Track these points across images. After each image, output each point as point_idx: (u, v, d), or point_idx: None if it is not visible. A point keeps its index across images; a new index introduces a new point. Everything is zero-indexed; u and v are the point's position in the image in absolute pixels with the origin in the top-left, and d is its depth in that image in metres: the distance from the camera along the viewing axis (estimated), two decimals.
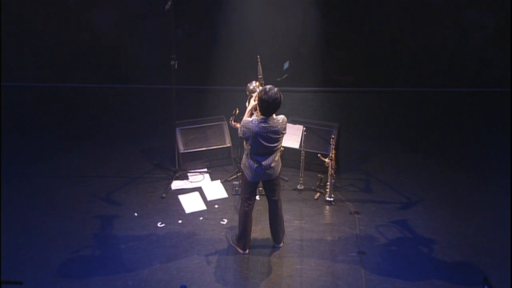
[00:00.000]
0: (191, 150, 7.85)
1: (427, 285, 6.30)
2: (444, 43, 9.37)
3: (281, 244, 6.75)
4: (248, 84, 6.67)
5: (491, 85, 9.44)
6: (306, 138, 7.59)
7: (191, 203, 7.38)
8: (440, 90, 9.47)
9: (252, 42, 8.92)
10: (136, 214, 7.18)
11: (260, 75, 6.79)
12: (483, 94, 9.43)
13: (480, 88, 9.46)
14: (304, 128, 7.62)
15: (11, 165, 7.88)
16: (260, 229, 6.92)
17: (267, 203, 6.63)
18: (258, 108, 6.09)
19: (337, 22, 9.36)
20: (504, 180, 7.69)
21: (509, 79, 9.21)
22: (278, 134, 6.12)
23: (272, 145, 6.13)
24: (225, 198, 7.47)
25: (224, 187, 7.61)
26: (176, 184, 7.64)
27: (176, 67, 7.28)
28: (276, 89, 6.02)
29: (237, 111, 6.79)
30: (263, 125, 6.05)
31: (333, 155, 7.33)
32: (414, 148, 8.37)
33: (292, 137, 7.66)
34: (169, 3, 7.05)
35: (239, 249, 6.66)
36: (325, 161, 7.35)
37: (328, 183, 7.37)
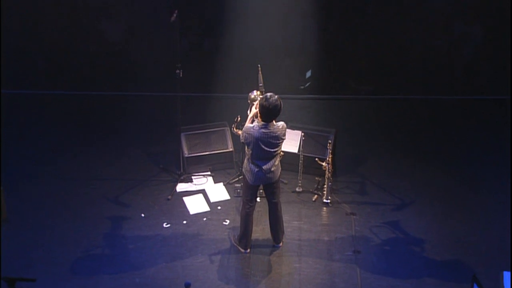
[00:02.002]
0: (195, 154, 7.87)
1: (419, 282, 6.31)
2: (435, 52, 9.38)
3: (281, 244, 6.76)
4: (250, 93, 6.70)
5: (478, 92, 9.46)
6: (304, 143, 7.61)
7: (195, 205, 7.39)
8: (430, 97, 9.48)
9: (253, 52, 8.93)
10: (143, 215, 7.20)
11: (260, 83, 6.81)
12: (471, 101, 9.44)
13: (468, 95, 9.47)
14: (303, 134, 7.64)
15: (26, 167, 7.90)
16: (261, 230, 6.94)
17: (267, 205, 6.65)
18: (259, 114, 6.12)
19: (334, 32, 9.38)
20: (492, 182, 7.71)
21: (495, 87, 9.24)
22: (278, 139, 6.14)
23: (272, 150, 6.16)
24: (228, 200, 7.48)
25: (227, 190, 7.62)
26: (181, 187, 7.65)
27: (181, 75, 7.30)
28: (276, 96, 6.05)
29: (239, 118, 6.81)
30: (263, 131, 6.07)
31: (330, 159, 7.35)
32: (407, 152, 8.37)
33: (291, 142, 7.67)
34: (175, 15, 7.08)
35: (240, 249, 6.67)
36: (322, 165, 7.37)
37: (325, 186, 7.38)
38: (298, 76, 9.50)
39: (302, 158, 7.54)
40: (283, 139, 6.22)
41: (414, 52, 9.40)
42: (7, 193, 7.09)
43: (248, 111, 6.49)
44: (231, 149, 7.94)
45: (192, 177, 7.78)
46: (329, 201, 7.38)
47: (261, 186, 6.58)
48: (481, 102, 9.40)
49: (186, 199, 7.48)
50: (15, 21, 9.21)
